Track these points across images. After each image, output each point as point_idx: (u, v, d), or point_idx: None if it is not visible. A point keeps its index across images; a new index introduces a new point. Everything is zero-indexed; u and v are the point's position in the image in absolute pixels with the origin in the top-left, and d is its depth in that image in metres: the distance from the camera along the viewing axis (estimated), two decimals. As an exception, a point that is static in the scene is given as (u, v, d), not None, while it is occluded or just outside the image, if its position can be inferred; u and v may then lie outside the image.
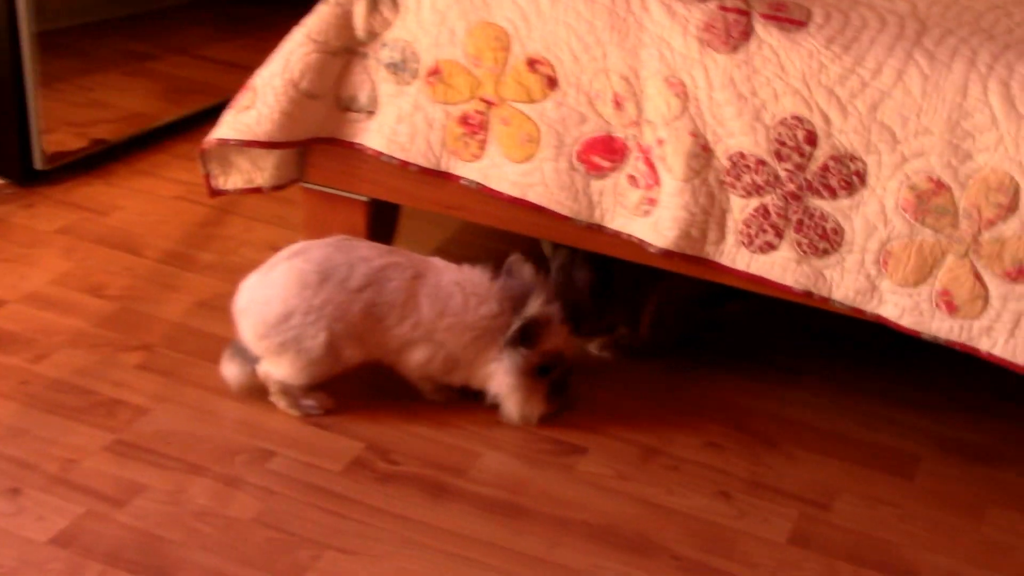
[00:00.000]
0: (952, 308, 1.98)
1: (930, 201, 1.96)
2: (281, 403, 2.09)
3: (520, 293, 2.09)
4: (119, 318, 2.34)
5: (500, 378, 2.09)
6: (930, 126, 1.94)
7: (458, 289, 2.08)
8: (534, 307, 2.07)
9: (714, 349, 2.45)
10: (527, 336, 2.06)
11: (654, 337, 2.39)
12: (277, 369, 2.07)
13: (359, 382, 2.19)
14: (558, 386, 2.14)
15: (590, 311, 2.33)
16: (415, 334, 2.07)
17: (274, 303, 2.03)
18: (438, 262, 2.14)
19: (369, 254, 2.08)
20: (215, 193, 2.37)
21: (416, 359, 2.10)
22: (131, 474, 1.93)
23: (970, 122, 1.92)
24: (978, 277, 1.95)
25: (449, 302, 2.07)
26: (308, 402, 2.10)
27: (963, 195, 1.94)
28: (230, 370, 2.10)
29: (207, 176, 2.35)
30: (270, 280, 2.05)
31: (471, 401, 2.17)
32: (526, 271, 2.11)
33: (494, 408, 2.16)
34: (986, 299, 1.96)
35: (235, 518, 1.87)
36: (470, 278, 2.10)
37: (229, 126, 2.25)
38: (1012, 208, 1.91)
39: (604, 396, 2.27)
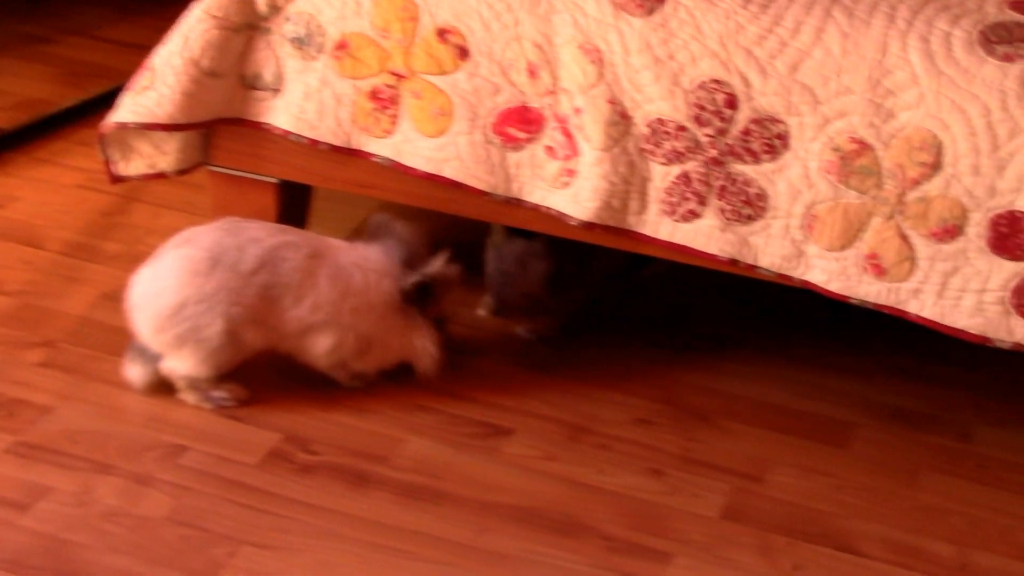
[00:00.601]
0: (880, 271, 1.98)
1: (854, 162, 1.95)
2: (191, 398, 2.05)
3: (409, 253, 2.09)
4: (19, 314, 2.27)
5: (411, 337, 2.10)
6: (851, 85, 1.93)
7: (357, 269, 2.06)
8: (436, 266, 2.07)
9: (641, 322, 2.44)
10: (424, 294, 2.06)
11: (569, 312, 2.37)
12: (180, 363, 2.02)
13: (274, 370, 2.15)
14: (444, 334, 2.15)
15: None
16: (316, 317, 2.04)
17: (166, 295, 1.99)
18: (335, 242, 2.12)
19: (260, 234, 2.04)
20: (116, 179, 2.31)
21: (323, 345, 2.06)
22: (35, 476, 1.88)
23: (891, 80, 1.92)
24: (905, 239, 1.95)
25: (351, 282, 2.05)
26: (219, 394, 2.06)
27: (887, 155, 1.93)
28: (134, 371, 2.06)
29: (107, 162, 2.29)
30: (159, 271, 2.01)
31: (392, 384, 2.15)
32: (399, 228, 2.10)
33: (416, 392, 2.14)
34: (913, 261, 1.96)
35: (146, 517, 1.82)
36: (367, 256, 2.09)
37: (128, 109, 2.20)
38: (936, 166, 1.91)
39: (529, 375, 2.24)
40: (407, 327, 2.10)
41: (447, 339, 2.15)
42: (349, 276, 2.06)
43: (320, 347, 2.08)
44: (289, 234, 2.08)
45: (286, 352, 2.10)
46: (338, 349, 2.08)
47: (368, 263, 2.08)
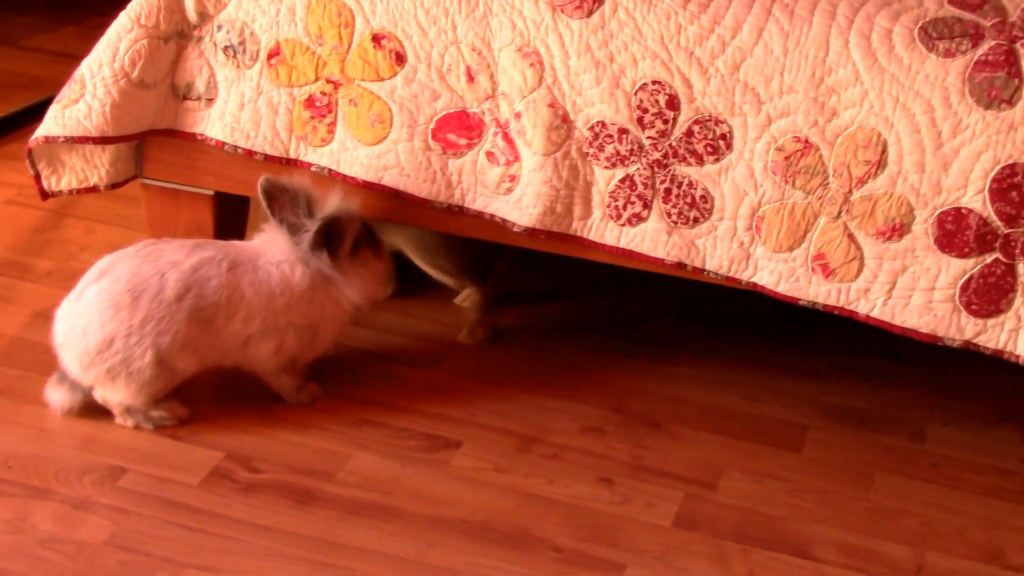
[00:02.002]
0: (828, 272, 2.01)
1: (799, 162, 1.98)
2: (129, 422, 2.06)
3: (308, 203, 2.08)
4: (-52, 336, 2.27)
5: (344, 285, 2.12)
6: (794, 84, 1.97)
7: (272, 266, 2.08)
8: (333, 205, 2.08)
9: (587, 328, 2.46)
10: (328, 237, 2.07)
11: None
12: (112, 394, 2.04)
13: (215, 388, 2.16)
14: (368, 241, 2.16)
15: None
16: (251, 328, 2.05)
17: (92, 332, 2.00)
18: (244, 245, 2.13)
19: (177, 257, 2.04)
20: (47, 195, 2.31)
21: (266, 351, 2.08)
22: (-32, 504, 1.88)
23: (833, 78, 1.95)
24: (852, 238, 1.99)
25: (271, 283, 2.07)
26: (158, 413, 2.06)
27: (831, 154, 1.97)
28: (56, 396, 2.06)
29: (37, 177, 2.29)
30: (82, 308, 2.02)
31: (337, 399, 2.16)
32: (289, 184, 2.08)
33: (361, 406, 2.16)
34: (861, 260, 1.99)
35: (85, 542, 1.82)
36: (274, 247, 2.10)
37: (56, 122, 2.20)
38: (881, 165, 1.95)
39: (476, 386, 2.26)
40: (338, 289, 2.11)
41: (378, 258, 2.18)
42: (268, 277, 2.07)
43: (264, 353, 2.09)
44: (206, 249, 2.07)
45: (230, 366, 2.11)
46: (281, 351, 2.10)
47: (279, 254, 2.09)
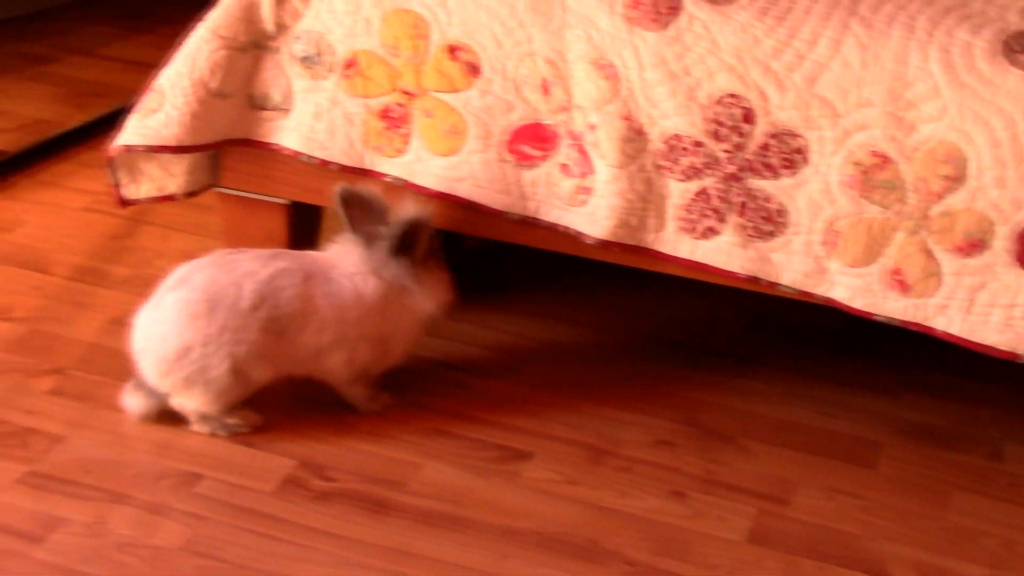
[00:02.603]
0: (905, 287, 2.01)
1: (876, 176, 1.98)
2: (204, 429, 2.09)
3: (381, 212, 2.10)
4: (28, 341, 2.31)
5: (417, 293, 2.13)
6: (871, 98, 1.96)
7: (345, 278, 2.09)
8: (409, 211, 2.08)
9: (658, 340, 2.47)
10: (408, 241, 2.09)
11: None
12: (189, 401, 2.07)
13: (288, 396, 2.19)
14: (453, 261, 2.18)
15: None
16: (323, 339, 2.08)
17: (169, 339, 2.03)
18: (318, 255, 2.15)
19: (254, 267, 2.07)
20: (125, 203, 2.36)
21: (338, 362, 2.11)
22: (48, 507, 1.91)
23: (912, 92, 1.95)
24: (930, 254, 1.98)
25: (344, 295, 2.09)
26: (232, 420, 2.09)
27: (909, 169, 1.96)
28: (133, 401, 2.10)
29: (115, 185, 2.33)
30: (160, 316, 2.05)
31: (409, 409, 2.18)
32: (364, 192, 2.10)
33: (433, 416, 2.18)
34: (939, 276, 1.99)
35: (162, 547, 1.86)
36: (346, 257, 2.12)
37: (135, 131, 2.24)
38: (960, 179, 1.94)
39: (547, 397, 2.28)
40: (411, 299, 2.13)
41: (449, 267, 2.20)
42: (341, 289, 2.09)
43: (336, 364, 2.11)
44: (282, 260, 2.10)
45: (303, 376, 2.14)
46: (353, 362, 2.12)
47: (352, 266, 2.10)
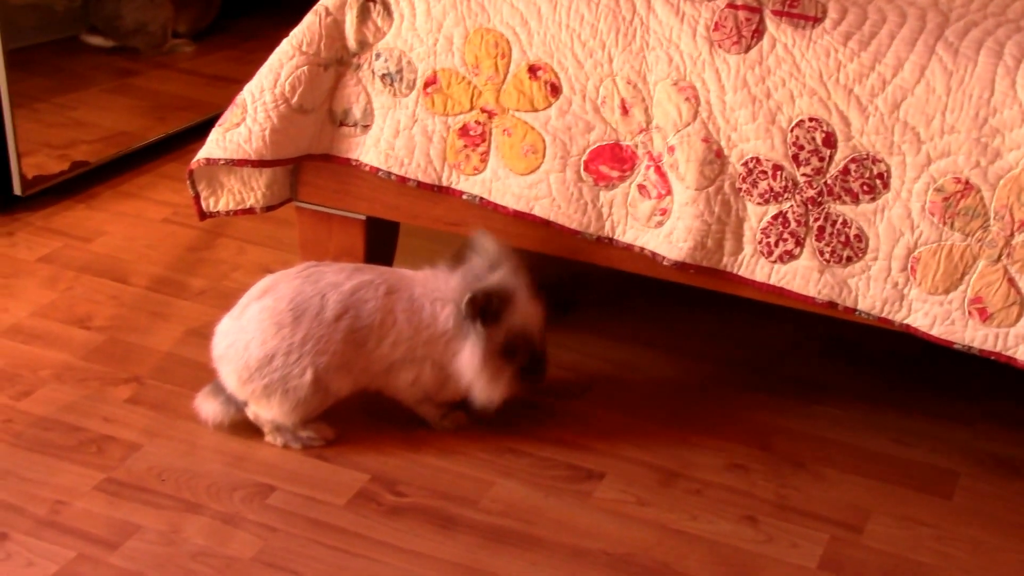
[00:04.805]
0: (985, 316, 1.99)
1: (958, 203, 1.96)
2: (278, 440, 2.11)
3: (482, 271, 2.09)
4: (107, 350, 2.35)
5: (464, 357, 2.08)
6: (956, 124, 1.95)
7: (427, 300, 2.10)
8: (493, 279, 2.07)
9: (732, 364, 2.46)
10: (486, 311, 2.06)
11: None
12: (266, 411, 2.09)
13: (361, 410, 2.20)
14: (530, 370, 2.12)
15: None
16: (396, 354, 2.09)
17: (253, 347, 2.05)
18: (407, 273, 2.15)
19: (338, 279, 2.09)
20: (205, 215, 2.39)
21: (404, 380, 2.12)
22: (123, 514, 1.94)
23: (998, 118, 1.93)
24: (1012, 283, 1.96)
25: (422, 315, 2.09)
26: (306, 433, 2.11)
27: (993, 196, 1.94)
28: (209, 407, 2.11)
29: (196, 198, 2.36)
30: (244, 324, 2.07)
31: (480, 427, 2.18)
32: (489, 245, 2.10)
33: (505, 435, 2.17)
34: (1021, 305, 1.96)
35: (234, 557, 1.87)
36: (434, 283, 2.12)
37: (217, 145, 2.27)
38: (1045, 208, 1.92)
39: (619, 417, 2.27)
40: (472, 354, 2.08)
41: (531, 374, 2.13)
42: (420, 308, 2.10)
43: (402, 382, 2.13)
44: (365, 273, 2.12)
45: (375, 390, 2.15)
46: (418, 383, 2.13)
47: (437, 292, 2.11)
